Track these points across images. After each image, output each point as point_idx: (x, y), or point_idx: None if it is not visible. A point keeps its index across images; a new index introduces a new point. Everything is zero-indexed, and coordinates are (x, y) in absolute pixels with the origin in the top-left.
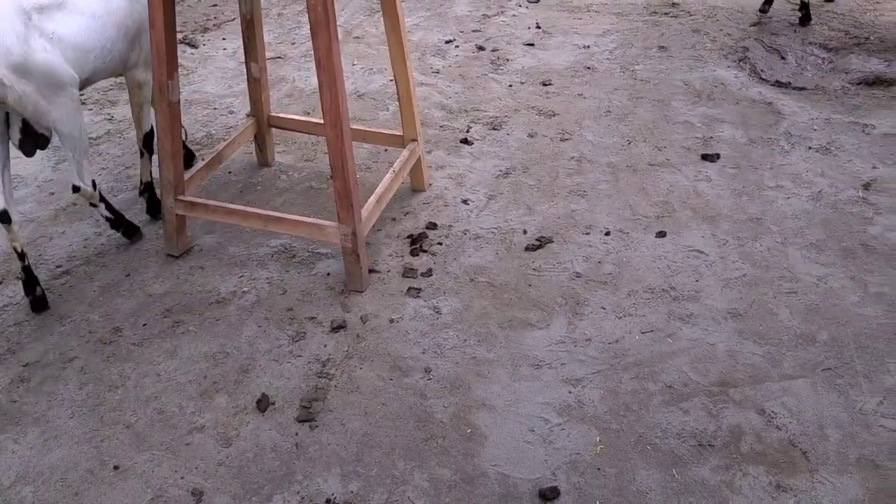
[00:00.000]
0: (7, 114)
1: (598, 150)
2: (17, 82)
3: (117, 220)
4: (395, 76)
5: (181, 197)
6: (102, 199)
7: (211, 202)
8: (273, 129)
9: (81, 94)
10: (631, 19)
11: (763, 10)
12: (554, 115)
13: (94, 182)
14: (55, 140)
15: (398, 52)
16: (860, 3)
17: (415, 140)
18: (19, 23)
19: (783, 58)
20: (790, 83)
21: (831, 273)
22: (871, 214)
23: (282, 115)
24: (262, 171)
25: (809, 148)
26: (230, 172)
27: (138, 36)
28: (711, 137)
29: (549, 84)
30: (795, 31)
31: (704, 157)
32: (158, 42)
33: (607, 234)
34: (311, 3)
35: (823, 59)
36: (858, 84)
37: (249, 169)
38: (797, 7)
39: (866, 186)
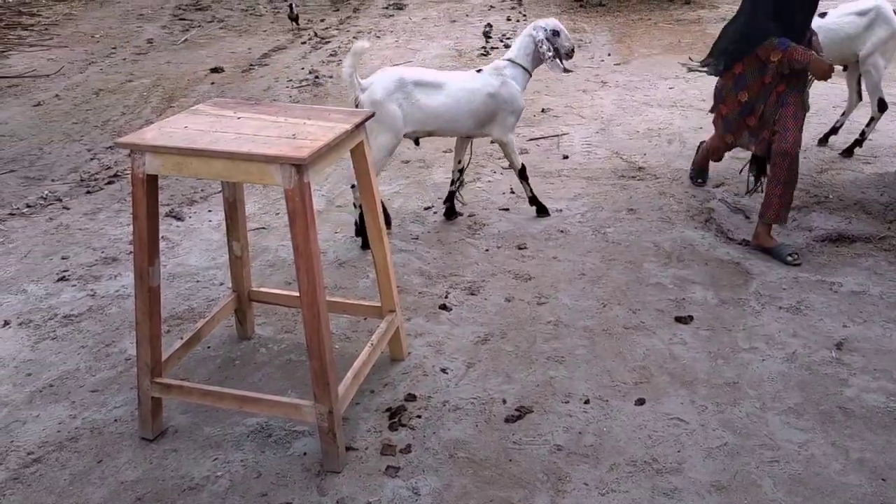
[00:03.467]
0: None
1: (574, 313)
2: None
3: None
4: (372, 251)
5: (157, 379)
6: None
7: (186, 384)
8: (254, 303)
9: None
10: (600, 183)
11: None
12: (530, 279)
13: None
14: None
15: (375, 231)
16: (817, 163)
17: (393, 311)
18: (393, 84)
19: (748, 217)
20: None
21: (812, 439)
22: (845, 375)
23: (262, 289)
24: (241, 345)
25: (780, 308)
26: (209, 347)
27: (491, 118)
28: (684, 299)
29: (525, 248)
30: (759, 190)
31: (678, 320)
32: (141, 231)
33: (587, 402)
34: (289, 193)
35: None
36: (822, 241)
37: (229, 343)
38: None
39: (839, 346)
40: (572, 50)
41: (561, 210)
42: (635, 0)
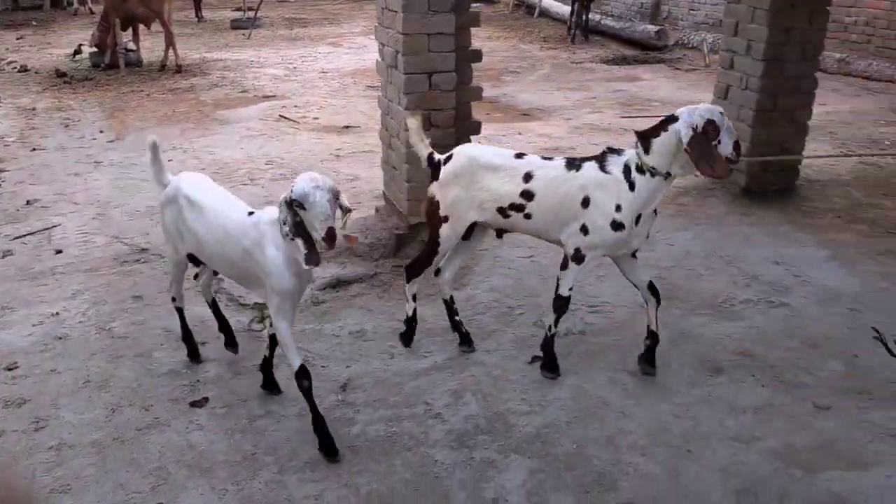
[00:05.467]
0: None
1: (79, 429)
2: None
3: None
4: None
5: None
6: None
7: None
8: None
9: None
10: (101, 274)
11: None
12: (24, 403)
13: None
14: None
15: None
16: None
17: None
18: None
19: None
20: None
21: (326, 487)
22: (352, 414)
23: None
24: None
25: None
26: None
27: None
28: (198, 381)
29: (15, 367)
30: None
31: (193, 405)
32: None
33: None
34: None
35: None
36: (323, 289)
37: None
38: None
39: (343, 387)
40: (328, 237)
41: (58, 313)
42: (125, 72)
